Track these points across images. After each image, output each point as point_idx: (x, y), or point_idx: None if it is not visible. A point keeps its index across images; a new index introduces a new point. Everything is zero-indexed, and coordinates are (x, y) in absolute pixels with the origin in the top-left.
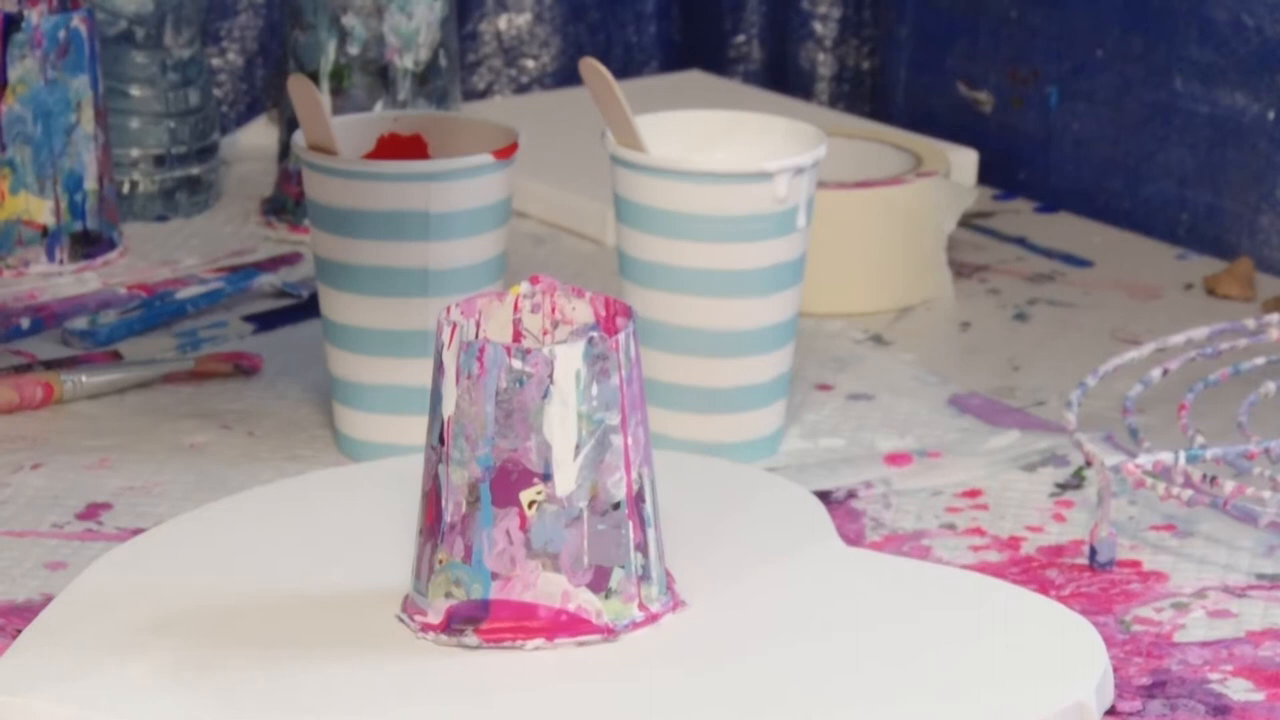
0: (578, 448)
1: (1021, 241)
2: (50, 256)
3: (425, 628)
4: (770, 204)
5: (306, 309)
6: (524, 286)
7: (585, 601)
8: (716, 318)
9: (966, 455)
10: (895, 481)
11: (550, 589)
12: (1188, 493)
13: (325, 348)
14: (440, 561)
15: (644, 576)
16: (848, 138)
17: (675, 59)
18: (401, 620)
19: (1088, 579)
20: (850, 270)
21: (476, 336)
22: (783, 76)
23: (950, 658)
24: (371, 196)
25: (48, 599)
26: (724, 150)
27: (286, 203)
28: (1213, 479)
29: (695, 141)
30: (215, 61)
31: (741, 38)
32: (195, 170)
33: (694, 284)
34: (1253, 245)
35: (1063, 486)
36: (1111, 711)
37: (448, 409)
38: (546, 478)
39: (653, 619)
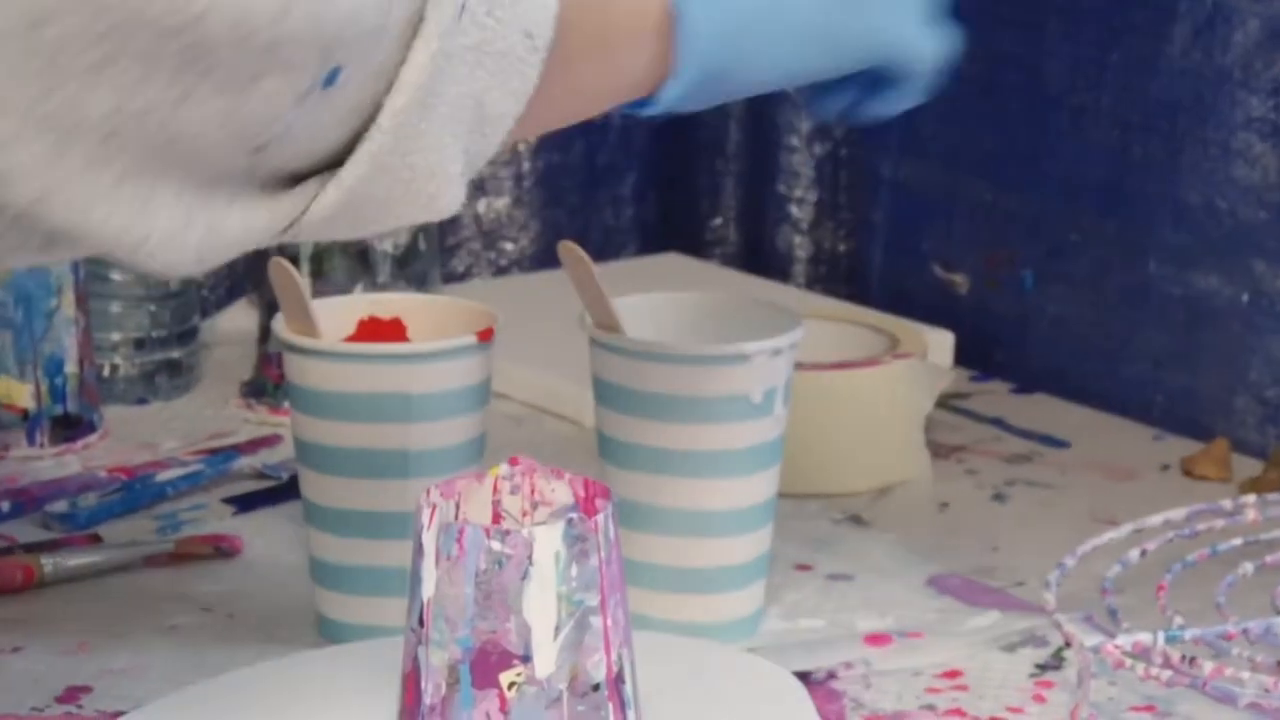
0: (557, 629)
1: (999, 422)
2: (31, 440)
3: None
4: (747, 386)
5: (286, 491)
6: (503, 468)
7: None
8: (695, 498)
9: (946, 636)
10: (875, 662)
11: None
12: (1167, 673)
13: (305, 529)
14: None
15: None
16: (824, 320)
17: (653, 242)
18: None
19: None
20: (828, 451)
21: (456, 518)
22: (760, 259)
23: None
24: (351, 379)
25: None
26: (701, 332)
27: (266, 385)
28: (1192, 660)
29: (673, 323)
30: None
31: (719, 221)
32: (175, 354)
33: (672, 465)
34: (1228, 427)
35: (1042, 667)
36: None
37: (427, 591)
38: (526, 659)
39: None
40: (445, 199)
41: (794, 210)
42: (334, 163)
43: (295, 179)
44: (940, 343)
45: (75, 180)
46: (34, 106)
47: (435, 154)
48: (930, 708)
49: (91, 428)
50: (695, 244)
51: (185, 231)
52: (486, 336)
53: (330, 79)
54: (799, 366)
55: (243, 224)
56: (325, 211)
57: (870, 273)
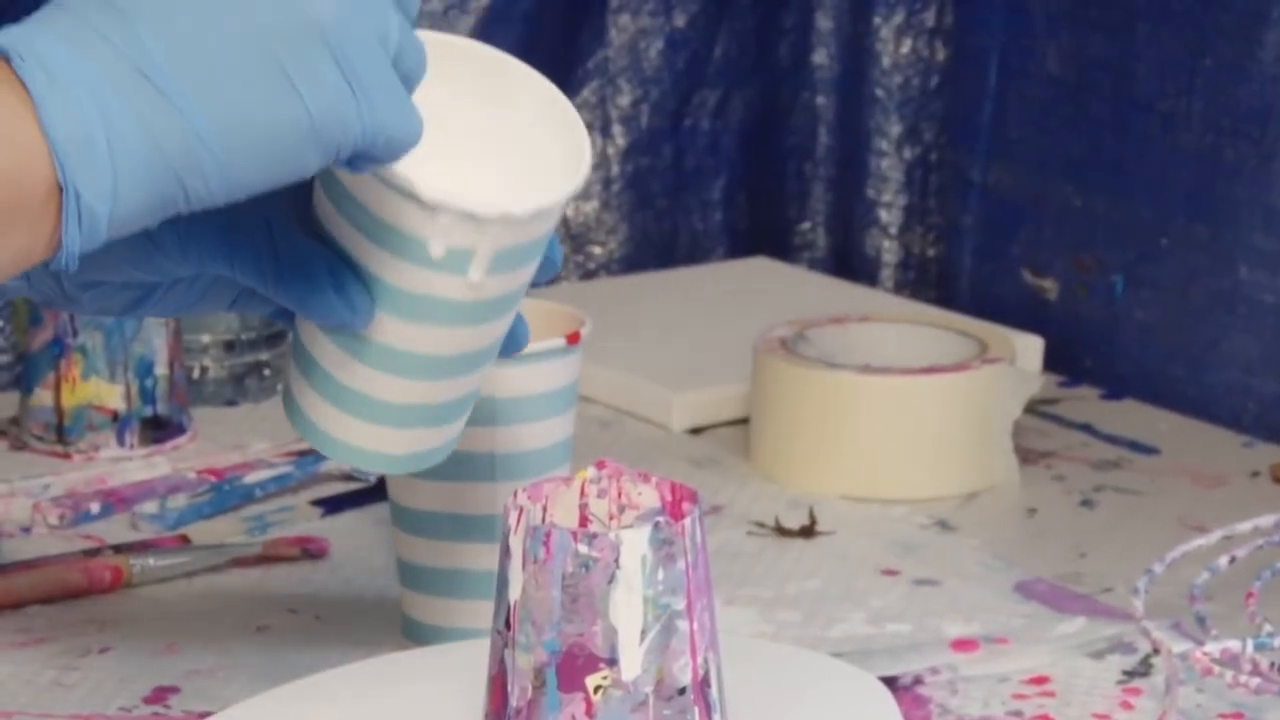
0: (644, 632)
1: (1087, 428)
2: (120, 441)
3: None
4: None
5: (374, 493)
6: (590, 471)
7: None
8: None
9: (1033, 642)
10: (962, 667)
11: None
12: (1255, 680)
13: (392, 532)
14: None
15: None
16: (913, 324)
17: (741, 246)
18: None
19: None
20: (915, 456)
21: (543, 521)
22: (848, 263)
23: None
24: None
25: None
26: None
27: None
28: None
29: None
30: None
31: (807, 225)
32: (264, 355)
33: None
34: None
35: (1130, 674)
36: None
37: (514, 593)
38: (612, 663)
39: None
40: None
41: (883, 215)
42: None
43: None
44: (1029, 348)
45: None
46: None
47: None
48: (1017, 714)
49: (181, 429)
50: (784, 248)
51: None
52: (574, 340)
53: None
54: (888, 371)
55: None
56: None
57: (959, 277)
